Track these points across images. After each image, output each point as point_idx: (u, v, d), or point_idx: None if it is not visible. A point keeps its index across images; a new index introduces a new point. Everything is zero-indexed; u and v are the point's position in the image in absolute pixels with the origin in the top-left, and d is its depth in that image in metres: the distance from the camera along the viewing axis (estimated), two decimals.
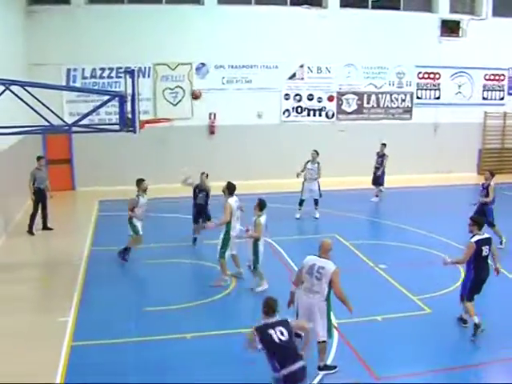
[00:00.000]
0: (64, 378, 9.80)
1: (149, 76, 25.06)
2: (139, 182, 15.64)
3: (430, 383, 9.74)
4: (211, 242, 15.12)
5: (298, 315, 9.86)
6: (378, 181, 23.04)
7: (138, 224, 15.59)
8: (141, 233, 15.66)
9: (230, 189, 14.03)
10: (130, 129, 13.23)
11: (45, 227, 18.68)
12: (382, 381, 9.58)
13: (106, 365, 10.34)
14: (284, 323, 8.09)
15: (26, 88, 13.46)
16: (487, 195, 17.09)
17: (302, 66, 26.54)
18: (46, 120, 13.24)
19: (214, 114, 25.82)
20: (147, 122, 15.28)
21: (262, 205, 13.42)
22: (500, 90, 29.19)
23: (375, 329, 11.65)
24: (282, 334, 7.93)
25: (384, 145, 23.05)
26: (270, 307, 8.15)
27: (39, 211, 18.55)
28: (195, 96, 14.62)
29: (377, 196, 23.04)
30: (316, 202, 20.14)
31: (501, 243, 16.63)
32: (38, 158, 18.49)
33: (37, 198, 18.27)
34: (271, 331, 7.93)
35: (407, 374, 9.95)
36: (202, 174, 16.80)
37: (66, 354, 10.59)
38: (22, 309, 12.75)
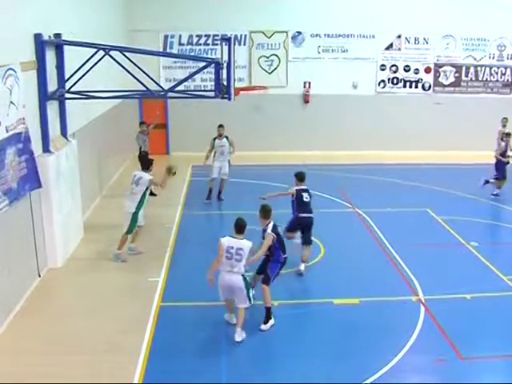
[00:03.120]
0: (152, 336, 10.12)
1: (244, 44, 25.15)
2: (218, 127, 18.30)
3: None
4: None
5: None
6: None
7: (216, 167, 17.99)
8: (214, 175, 18.03)
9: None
10: (225, 96, 13.33)
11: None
12: (467, 361, 9.43)
13: (193, 325, 10.63)
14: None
15: (125, 54, 13.75)
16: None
17: (399, 37, 25.94)
18: (144, 85, 13.52)
19: (309, 83, 25.70)
20: (242, 89, 15.40)
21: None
22: None
23: (463, 307, 11.46)
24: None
25: None
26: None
27: None
28: None
29: None
30: None
31: None
32: (141, 123, 18.91)
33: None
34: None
35: (494, 356, 9.72)
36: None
37: (156, 314, 10.94)
38: (115, 267, 13.21)
